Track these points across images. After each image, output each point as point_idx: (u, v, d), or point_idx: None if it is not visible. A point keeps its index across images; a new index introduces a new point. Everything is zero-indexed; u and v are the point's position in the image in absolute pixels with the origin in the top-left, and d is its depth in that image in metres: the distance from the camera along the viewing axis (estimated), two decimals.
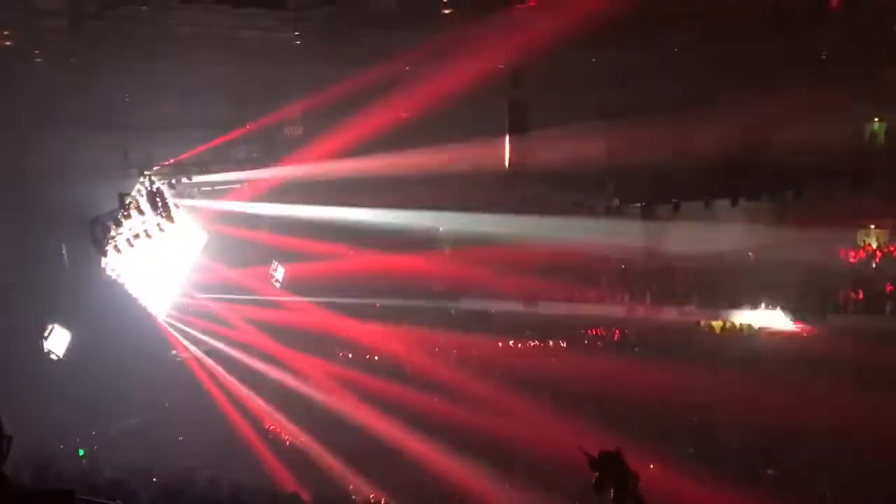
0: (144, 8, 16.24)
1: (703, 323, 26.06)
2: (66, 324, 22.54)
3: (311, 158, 23.48)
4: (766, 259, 25.25)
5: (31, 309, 22.96)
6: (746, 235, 24.26)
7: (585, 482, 4.88)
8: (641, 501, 4.79)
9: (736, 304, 25.52)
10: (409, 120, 23.64)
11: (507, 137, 23.76)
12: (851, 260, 25.03)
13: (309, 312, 25.58)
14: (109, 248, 20.10)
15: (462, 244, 27.13)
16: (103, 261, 21.47)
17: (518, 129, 23.31)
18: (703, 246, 24.21)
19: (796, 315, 24.36)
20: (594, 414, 20.35)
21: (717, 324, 26.03)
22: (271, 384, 25.36)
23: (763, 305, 25.21)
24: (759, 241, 24.74)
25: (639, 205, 24.09)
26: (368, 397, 23.65)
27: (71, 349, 22.68)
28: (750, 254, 25.70)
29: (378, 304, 27.80)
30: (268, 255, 25.72)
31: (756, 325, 25.31)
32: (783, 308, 24.74)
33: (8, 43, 18.33)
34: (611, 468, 4.79)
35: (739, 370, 22.66)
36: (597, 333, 27.02)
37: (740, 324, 25.62)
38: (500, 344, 26.41)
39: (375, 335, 26.08)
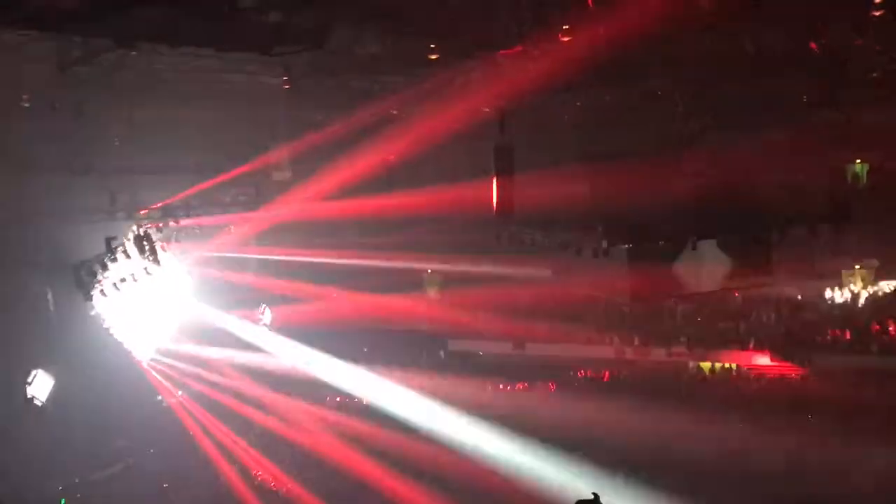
0: (133, 53, 16.31)
1: (692, 364, 26.06)
2: (49, 369, 22.31)
3: (298, 201, 23.53)
4: (753, 299, 25.41)
5: (13, 354, 22.68)
6: (732, 276, 24.31)
7: None
8: None
9: (724, 345, 25.57)
10: (396, 162, 23.76)
11: (494, 180, 23.90)
12: (837, 300, 25.16)
13: (297, 355, 25.41)
14: (95, 291, 20.01)
15: (450, 286, 27.16)
16: (89, 305, 21.39)
17: (504, 171, 23.46)
18: (689, 287, 24.24)
19: (784, 356, 24.39)
20: (584, 457, 20.29)
21: (705, 365, 26.03)
22: (259, 430, 25.08)
23: (751, 346, 25.26)
24: (745, 281, 24.81)
25: (626, 247, 24.15)
26: (358, 442, 23.44)
27: (54, 394, 22.40)
28: (737, 294, 25.80)
29: (365, 349, 27.74)
30: (255, 297, 25.64)
31: (744, 366, 25.33)
32: (771, 348, 24.79)
33: None
34: None
35: (730, 412, 22.65)
36: (586, 375, 26.95)
37: (729, 365, 25.64)
38: (489, 387, 26.26)
39: (363, 379, 25.92)
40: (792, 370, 24.65)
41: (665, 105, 20.71)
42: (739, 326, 25.97)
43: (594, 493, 4.63)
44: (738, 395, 24.46)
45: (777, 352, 24.81)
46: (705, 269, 22.87)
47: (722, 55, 17.79)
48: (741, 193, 21.56)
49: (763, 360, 25.28)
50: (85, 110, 18.31)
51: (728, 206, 21.98)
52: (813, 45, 17.58)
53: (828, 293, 25.69)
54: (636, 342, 26.22)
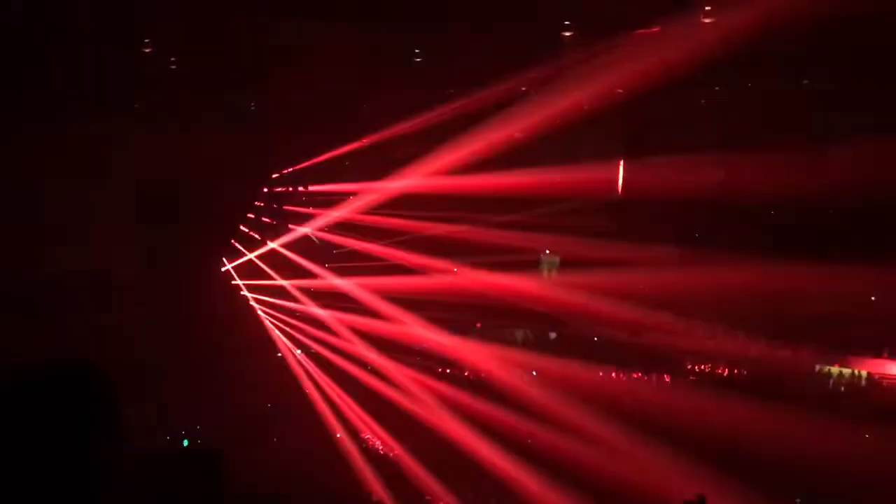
0: None
1: (818, 368, 24.84)
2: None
3: (422, 174, 23.76)
4: (892, 305, 23.88)
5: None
6: (871, 279, 22.92)
7: None
8: None
9: (855, 351, 24.24)
10: (522, 140, 23.57)
11: (622, 164, 23.37)
12: None
13: (410, 326, 25.81)
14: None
15: (568, 269, 26.86)
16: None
17: (633, 155, 22.90)
18: (825, 287, 23.05)
19: None
20: (694, 454, 19.74)
21: (833, 370, 24.76)
22: (369, 393, 25.72)
23: (885, 354, 23.84)
24: (885, 285, 23.36)
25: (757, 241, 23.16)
26: (463, 415, 23.68)
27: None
28: (873, 298, 24.33)
29: (479, 325, 27.89)
30: (375, 266, 26.17)
31: (876, 374, 23.95)
32: None
33: None
34: None
35: (856, 422, 21.51)
36: (704, 370, 26.16)
37: (859, 372, 24.30)
38: (601, 373, 25.90)
39: (474, 354, 26.08)
40: None
41: (812, 98, 19.66)
42: (874, 332, 24.51)
43: (699, 495, 4.43)
44: (865, 403, 23.16)
45: None
46: (843, 270, 21.63)
47: (879, 50, 16.68)
48: (888, 193, 20.22)
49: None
50: None
51: (874, 205, 20.73)
52: None
53: None
54: (762, 340, 25.17)
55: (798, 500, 19.21)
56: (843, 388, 24.65)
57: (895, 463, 19.00)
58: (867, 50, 17.63)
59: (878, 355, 24.43)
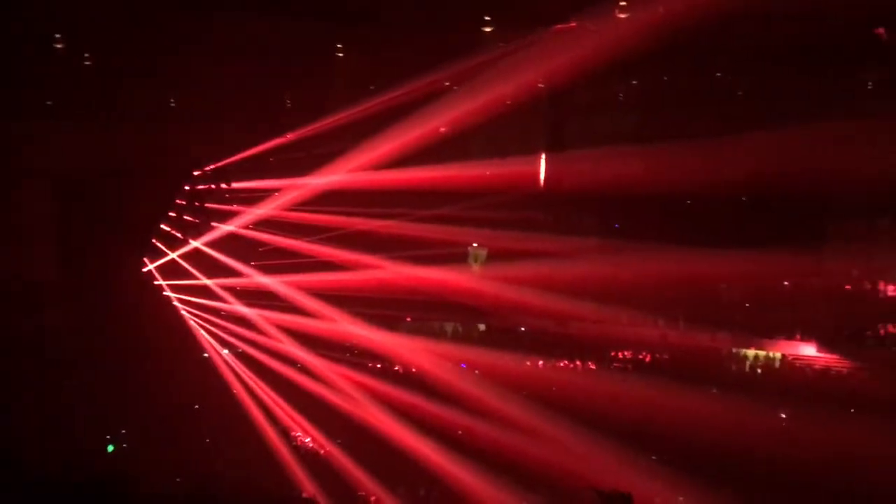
0: None
1: (735, 351, 25.72)
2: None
3: (347, 170, 23.70)
4: (803, 289, 24.92)
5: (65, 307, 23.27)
6: (784, 264, 23.89)
7: None
8: None
9: (770, 334, 25.18)
10: (446, 136, 23.73)
11: (543, 157, 23.76)
12: (891, 293, 24.53)
13: (339, 322, 25.71)
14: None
15: (494, 261, 27.15)
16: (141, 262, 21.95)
17: (554, 148, 23.30)
18: (739, 274, 23.91)
19: (831, 348, 23.94)
20: (618, 439, 20.28)
21: (749, 353, 25.67)
22: (298, 391, 25.51)
23: (798, 336, 24.84)
24: (796, 271, 24.37)
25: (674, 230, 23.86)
26: (395, 409, 23.74)
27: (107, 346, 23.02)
28: (786, 283, 25.34)
29: (409, 319, 27.98)
30: (301, 263, 25.95)
31: (790, 356, 24.94)
32: (818, 340, 24.35)
33: None
34: None
35: (772, 403, 22.38)
36: (627, 356, 26.79)
37: (773, 354, 25.26)
38: (528, 363, 26.29)
39: (403, 348, 26.16)
40: (839, 363, 24.18)
41: (724, 90, 20.37)
42: (787, 315, 25.51)
43: (623, 494, 4.58)
44: (780, 384, 24.08)
45: (824, 343, 24.34)
46: (757, 256, 22.49)
47: (787, 41, 17.39)
48: (799, 181, 21.13)
49: (809, 350, 24.84)
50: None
51: (785, 193, 21.59)
52: (880, 31, 17.07)
53: (881, 286, 25.04)
54: (681, 326, 25.93)
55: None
56: (759, 370, 25.57)
57: (809, 441, 19.84)
58: (777, 43, 18.35)
59: (792, 337, 25.38)
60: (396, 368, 27.27)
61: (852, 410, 20.96)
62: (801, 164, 21.28)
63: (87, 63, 21.15)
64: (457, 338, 28.54)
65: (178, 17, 18.52)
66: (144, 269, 25.53)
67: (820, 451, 18.83)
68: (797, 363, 25.01)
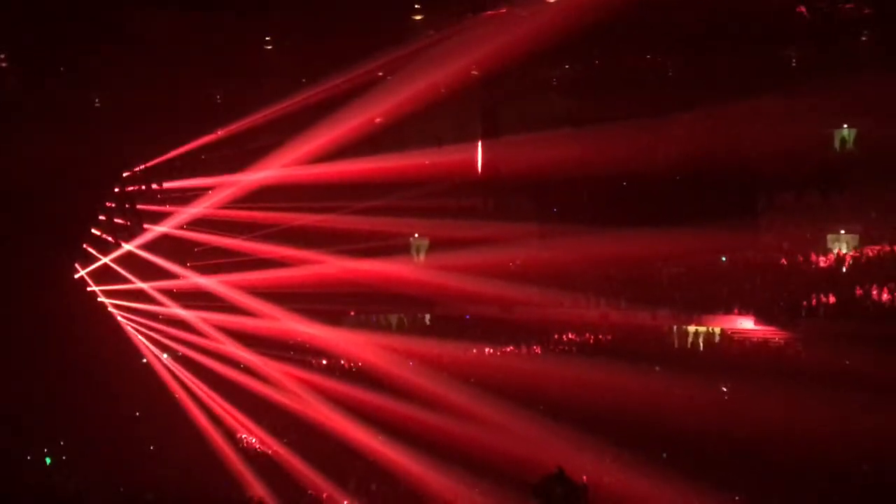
0: None
1: (675, 328, 26.15)
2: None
3: (283, 164, 23.35)
4: (738, 264, 25.49)
5: None
6: (719, 240, 24.36)
7: None
8: None
9: (709, 310, 25.64)
10: (382, 125, 23.54)
11: (480, 143, 23.76)
12: (822, 265, 25.21)
13: (282, 320, 25.37)
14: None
15: (436, 250, 27.11)
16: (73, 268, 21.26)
17: (490, 134, 23.31)
18: (677, 252, 24.29)
19: (768, 320, 24.50)
20: (566, 420, 20.45)
21: (690, 329, 26.12)
22: (243, 392, 25.13)
23: (736, 310, 25.35)
24: (731, 246, 24.88)
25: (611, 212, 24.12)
26: (342, 405, 23.54)
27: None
28: (723, 258, 25.86)
29: (352, 313, 27.74)
30: (239, 262, 25.52)
31: (729, 330, 25.44)
32: (756, 313, 24.89)
33: None
34: (555, 490, 4.74)
35: (713, 376, 22.81)
36: (571, 339, 27.03)
37: (713, 329, 25.75)
38: (474, 350, 26.33)
39: (348, 343, 25.96)
40: (776, 335, 24.77)
41: (655, 71, 20.61)
42: (724, 291, 26.02)
43: (558, 467, 4.60)
44: (721, 359, 24.57)
45: (761, 316, 24.90)
46: (692, 233, 22.87)
47: (712, 21, 17.65)
48: (729, 159, 21.54)
49: (748, 324, 25.37)
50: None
51: (716, 170, 21.99)
52: (802, 8, 17.42)
53: (813, 258, 25.74)
54: (622, 305, 26.25)
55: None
56: (700, 346, 26.05)
57: (750, 413, 20.31)
58: (703, 22, 18.59)
59: (730, 312, 25.90)
60: (342, 363, 27.07)
61: (790, 381, 21.53)
62: (731, 142, 21.72)
63: (4, 64, 20.33)
64: (402, 329, 28.38)
65: (99, 14, 17.91)
66: (76, 276, 24.81)
67: (761, 423, 19.30)
68: (736, 337, 25.54)
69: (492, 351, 26.57)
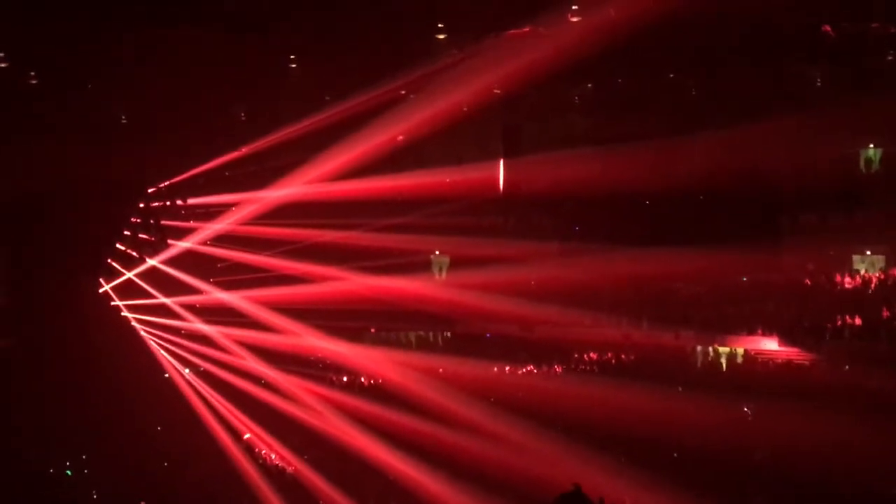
0: None
1: (699, 349, 25.92)
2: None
3: (305, 182, 23.50)
4: (762, 284, 25.26)
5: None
6: (742, 261, 24.18)
7: None
8: None
9: (732, 330, 25.42)
10: (404, 144, 23.67)
11: (502, 162, 23.79)
12: (847, 286, 24.92)
13: (303, 336, 25.43)
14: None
15: (457, 268, 27.11)
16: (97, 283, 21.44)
17: (512, 153, 23.35)
18: (700, 272, 24.13)
19: (792, 341, 24.24)
20: (587, 440, 20.29)
21: (713, 350, 25.89)
22: (263, 408, 25.18)
23: (759, 331, 25.10)
24: (755, 266, 24.67)
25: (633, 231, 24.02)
26: (361, 422, 23.52)
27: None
28: (744, 279, 25.66)
29: (373, 330, 27.77)
30: (262, 278, 25.66)
31: (752, 351, 25.18)
32: (780, 334, 24.64)
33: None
34: None
35: (736, 397, 22.57)
36: (592, 358, 26.86)
37: (736, 349, 25.51)
38: (494, 369, 26.24)
39: (369, 360, 25.96)
40: (800, 356, 24.49)
41: (677, 90, 20.58)
42: (748, 311, 25.78)
43: (575, 485, 4.55)
44: (744, 379, 24.32)
45: (785, 337, 24.64)
46: (716, 254, 22.71)
47: (735, 40, 17.63)
48: (753, 178, 21.41)
49: (771, 345, 25.11)
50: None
51: (739, 190, 21.87)
52: (827, 28, 17.35)
53: (838, 279, 25.46)
54: (644, 326, 26.08)
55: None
56: (723, 367, 25.81)
57: (772, 433, 20.05)
58: (727, 42, 18.56)
59: (753, 333, 25.66)
60: (362, 381, 27.07)
61: (814, 402, 21.24)
62: (755, 162, 21.60)
63: (34, 82, 20.67)
64: (422, 347, 28.37)
65: (127, 33, 18.21)
66: (100, 290, 25.04)
67: (783, 443, 19.04)
68: (759, 358, 25.28)
69: (512, 370, 26.49)
